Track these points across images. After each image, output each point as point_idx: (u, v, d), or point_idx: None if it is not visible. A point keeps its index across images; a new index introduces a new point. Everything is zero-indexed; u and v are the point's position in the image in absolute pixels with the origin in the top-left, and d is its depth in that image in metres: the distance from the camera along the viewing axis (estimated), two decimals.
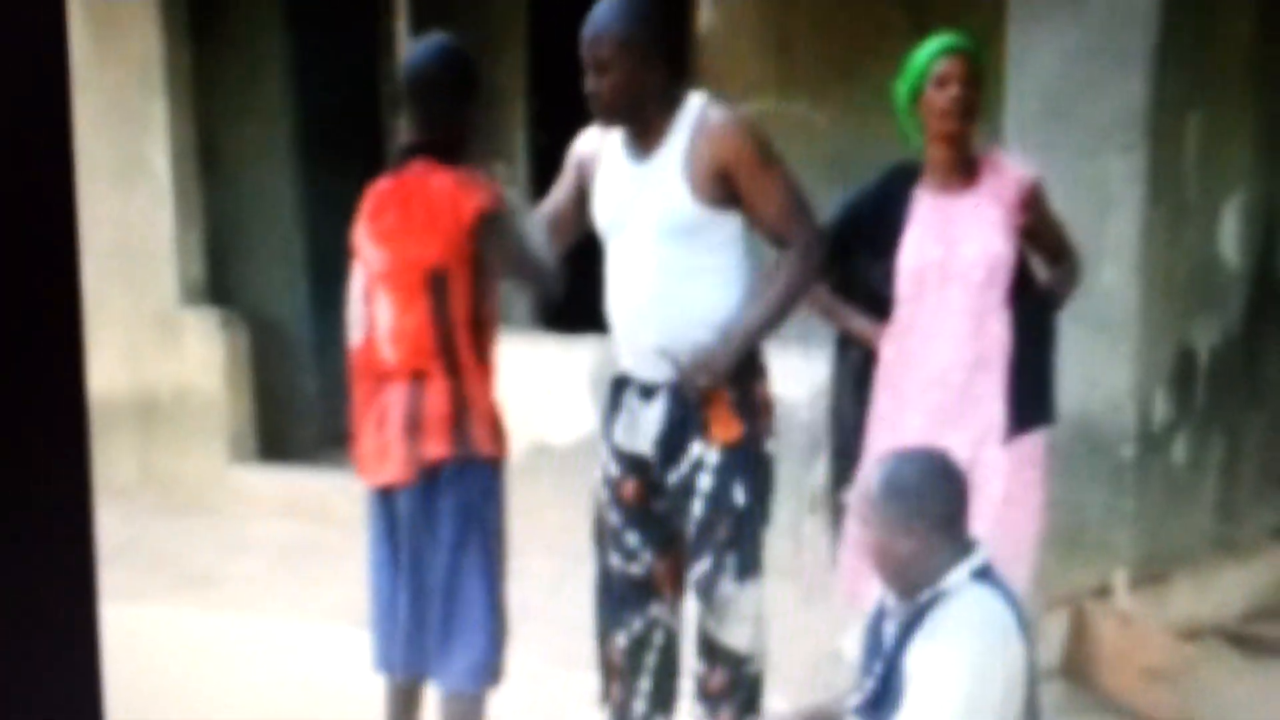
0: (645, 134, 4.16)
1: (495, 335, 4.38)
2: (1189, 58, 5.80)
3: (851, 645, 4.49)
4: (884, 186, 4.53)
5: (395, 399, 4.30)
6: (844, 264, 4.48)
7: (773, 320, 4.22)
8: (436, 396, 4.24)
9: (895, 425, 4.41)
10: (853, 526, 4.20)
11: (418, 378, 4.27)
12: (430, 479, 4.24)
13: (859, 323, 4.50)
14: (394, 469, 4.30)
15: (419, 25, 8.35)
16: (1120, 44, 5.58)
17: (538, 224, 4.42)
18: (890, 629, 3.47)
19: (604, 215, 4.29)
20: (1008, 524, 4.28)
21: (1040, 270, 4.59)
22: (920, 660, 3.35)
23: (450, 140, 4.25)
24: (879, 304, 4.43)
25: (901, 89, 4.44)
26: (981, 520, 3.70)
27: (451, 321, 4.23)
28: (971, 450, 4.31)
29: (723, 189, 4.13)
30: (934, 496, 3.42)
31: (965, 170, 4.40)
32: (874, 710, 3.48)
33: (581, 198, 4.40)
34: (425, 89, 4.26)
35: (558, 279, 4.36)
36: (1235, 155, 6.38)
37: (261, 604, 6.22)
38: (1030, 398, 4.44)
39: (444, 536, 4.26)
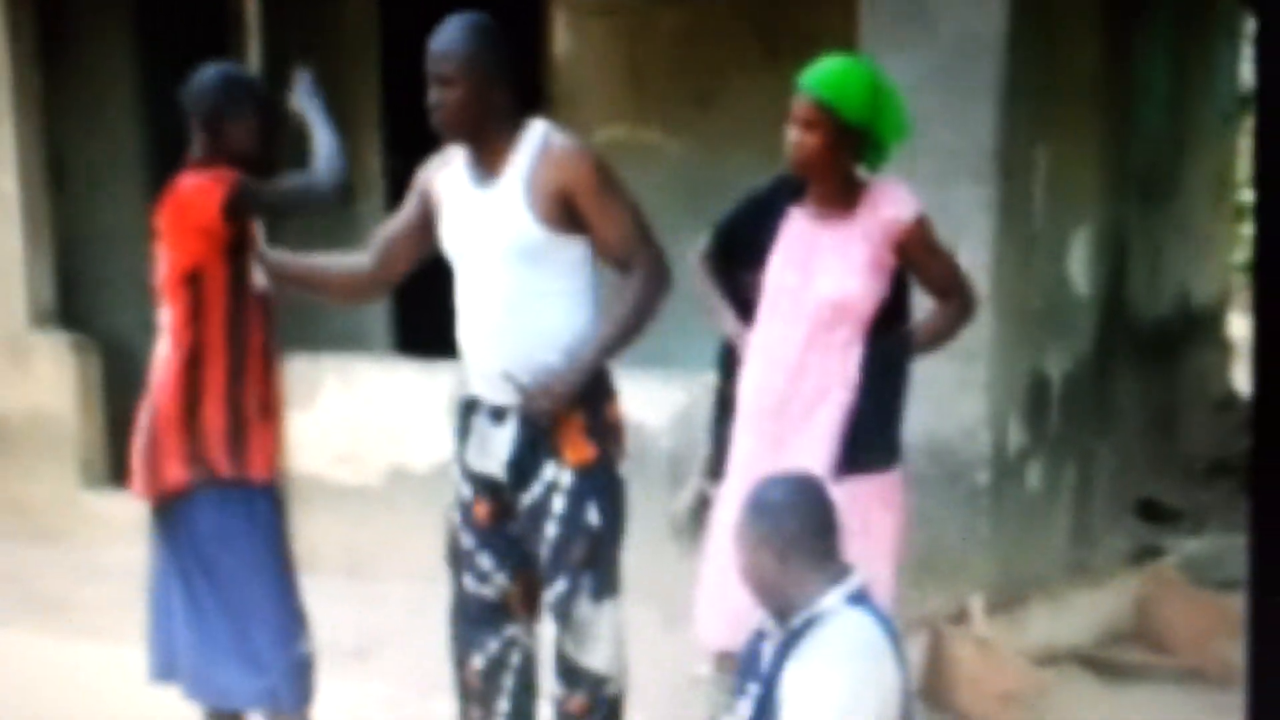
0: (487, 157, 4.18)
1: (264, 344, 4.38)
2: (1037, 89, 5.90)
3: (708, 670, 4.51)
4: (768, 196, 4.43)
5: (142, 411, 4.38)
6: (723, 266, 4.47)
7: (618, 343, 4.23)
8: (172, 412, 4.28)
9: (737, 446, 4.40)
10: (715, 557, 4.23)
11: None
12: (167, 503, 4.27)
13: (731, 323, 4.45)
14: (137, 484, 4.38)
15: (270, 49, 8.31)
16: (969, 75, 5.65)
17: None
18: (767, 651, 3.49)
19: (451, 240, 4.29)
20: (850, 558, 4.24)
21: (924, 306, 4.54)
22: (795, 682, 3.36)
23: (218, 150, 4.34)
24: (751, 311, 4.40)
25: None
26: None
27: (204, 328, 4.28)
28: None
29: (565, 213, 4.13)
30: (795, 516, 3.43)
31: (842, 199, 4.31)
32: None
33: (423, 223, 4.39)
34: (195, 106, 4.43)
35: (343, 189, 4.39)
36: (1083, 185, 6.49)
37: (113, 630, 6.13)
38: (868, 440, 4.31)
39: (185, 561, 4.31)
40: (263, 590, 4.22)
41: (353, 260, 4.58)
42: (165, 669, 4.48)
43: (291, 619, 4.27)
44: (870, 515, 4.31)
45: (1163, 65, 7.35)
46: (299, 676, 4.30)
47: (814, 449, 4.29)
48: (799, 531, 3.41)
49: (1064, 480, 6.35)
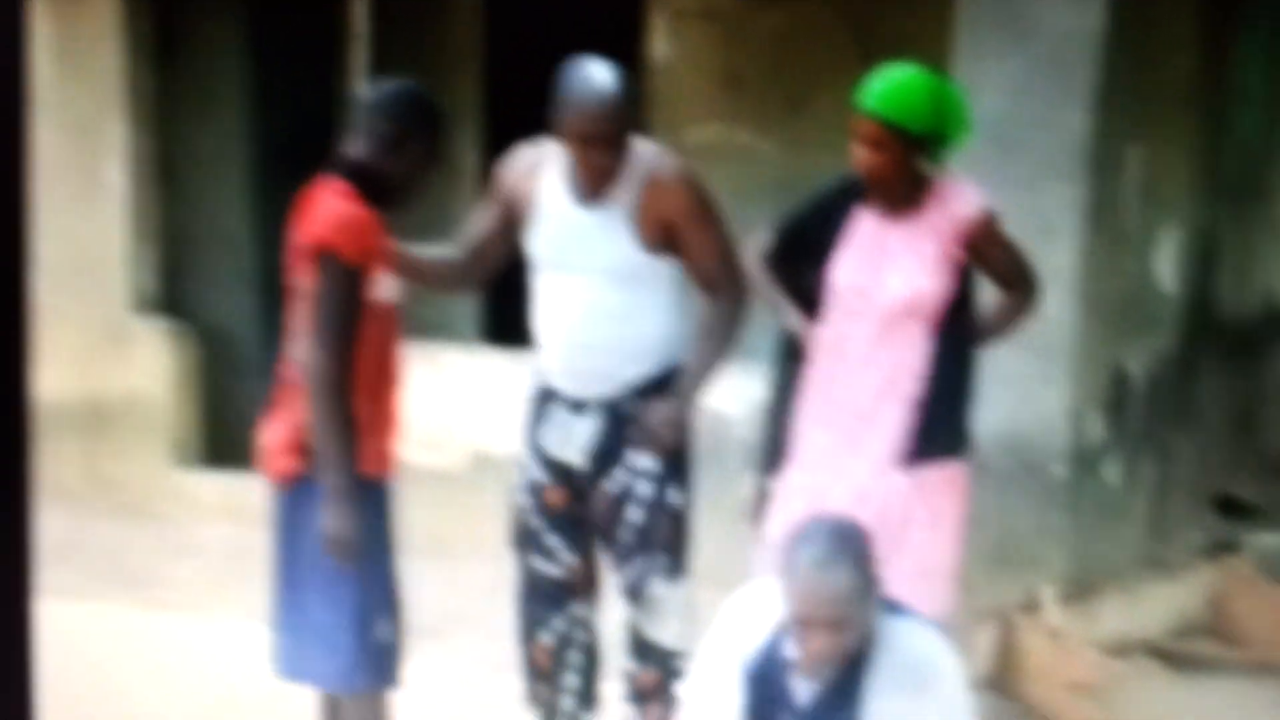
0: (592, 174, 4.29)
1: (380, 353, 4.28)
2: (1131, 91, 5.91)
3: None
4: (832, 196, 4.49)
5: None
6: (786, 265, 4.54)
7: (711, 371, 4.45)
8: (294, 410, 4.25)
9: (807, 440, 4.46)
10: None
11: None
12: (285, 489, 4.29)
13: (794, 318, 4.50)
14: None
15: (378, 51, 8.47)
16: (1064, 77, 5.68)
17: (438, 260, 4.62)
18: (801, 687, 3.43)
19: (543, 252, 4.41)
20: (910, 548, 4.28)
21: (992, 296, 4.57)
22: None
23: (370, 169, 4.20)
24: (814, 309, 4.46)
25: None
26: (882, 544, 3.70)
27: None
28: (871, 477, 4.36)
29: (665, 238, 4.31)
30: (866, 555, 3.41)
31: (909, 198, 4.35)
32: None
33: (508, 228, 4.51)
34: (371, 113, 4.24)
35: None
36: (1174, 186, 6.49)
37: (204, 605, 6.27)
38: (937, 430, 4.38)
39: (286, 546, 4.31)
40: (349, 575, 4.24)
41: (446, 254, 4.70)
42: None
43: (375, 603, 4.28)
44: (938, 503, 4.40)
45: (1260, 68, 7.32)
46: (379, 659, 4.33)
47: (884, 441, 4.37)
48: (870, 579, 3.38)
49: (1142, 474, 6.35)
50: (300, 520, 4.21)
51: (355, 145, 4.23)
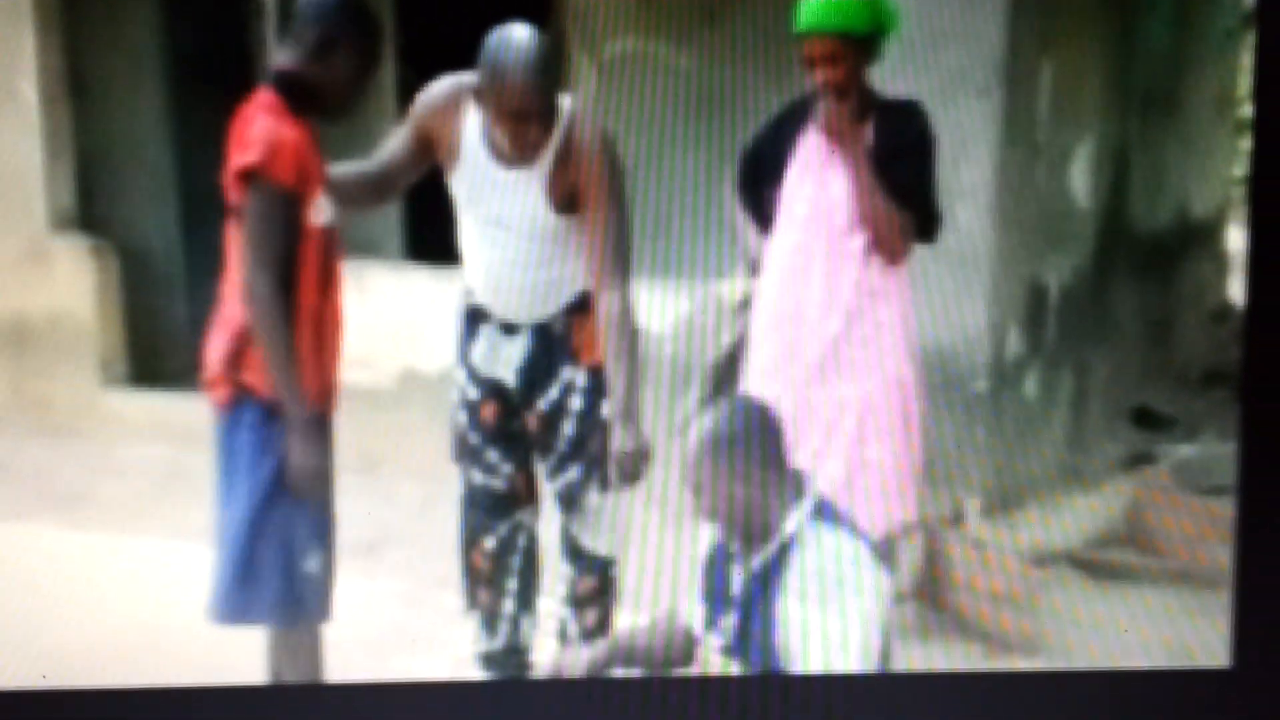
0: (515, 139, 4.30)
1: (318, 278, 4.20)
2: (1042, 4, 5.95)
3: None
4: (785, 116, 4.54)
5: None
6: (748, 190, 4.57)
7: (634, 380, 4.44)
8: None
9: (756, 352, 4.51)
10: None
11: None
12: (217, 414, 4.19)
13: (752, 239, 4.54)
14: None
15: None
16: None
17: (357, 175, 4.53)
18: (736, 576, 3.52)
19: (462, 195, 4.42)
20: (861, 460, 4.36)
21: None
22: (797, 624, 3.46)
23: (301, 79, 4.07)
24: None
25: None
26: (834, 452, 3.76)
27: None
28: (817, 387, 4.42)
29: (575, 202, 4.36)
30: (749, 437, 3.49)
31: (858, 114, 4.38)
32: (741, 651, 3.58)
33: (422, 159, 4.48)
34: (300, 19, 4.08)
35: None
36: (1087, 100, 6.55)
37: (133, 524, 6.26)
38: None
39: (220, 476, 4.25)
40: (276, 509, 4.16)
41: (361, 169, 4.64)
42: None
43: (309, 535, 4.21)
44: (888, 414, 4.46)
45: None
46: (311, 591, 4.27)
47: (831, 352, 4.43)
48: (759, 453, 3.46)
49: (1060, 388, 6.44)
50: (233, 445, 4.17)
51: (284, 54, 4.10)
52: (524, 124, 4.23)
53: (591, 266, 4.40)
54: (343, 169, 4.53)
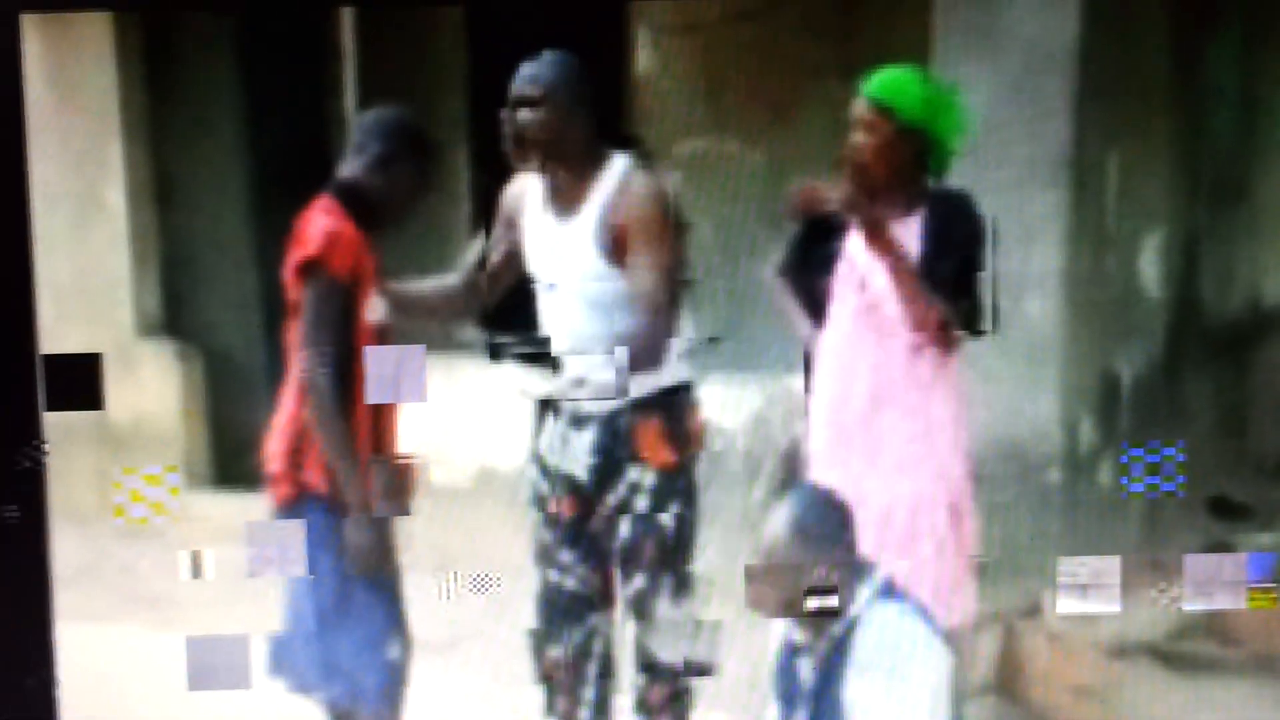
0: (566, 190, 4.34)
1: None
2: (1108, 97, 5.98)
3: None
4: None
5: None
6: (800, 276, 4.60)
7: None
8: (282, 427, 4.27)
9: (812, 442, 4.53)
10: None
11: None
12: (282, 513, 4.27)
13: (802, 326, 4.57)
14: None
15: (364, 69, 8.49)
16: (1042, 86, 5.75)
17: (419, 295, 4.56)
18: (805, 667, 3.54)
19: (531, 267, 4.47)
20: (925, 548, 4.37)
21: None
22: (864, 698, 3.45)
23: (359, 188, 4.30)
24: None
25: None
26: (897, 542, 3.78)
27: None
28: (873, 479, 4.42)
29: (627, 248, 4.37)
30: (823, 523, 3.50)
31: (903, 205, 4.42)
32: None
33: (513, 251, 4.57)
34: (360, 134, 4.37)
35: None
36: (1155, 190, 6.55)
37: (217, 625, 6.30)
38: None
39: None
40: (354, 599, 4.25)
41: (442, 284, 4.72)
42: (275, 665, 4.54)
43: (385, 622, 4.28)
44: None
45: (1235, 72, 7.40)
46: (389, 678, 4.34)
47: (885, 444, 4.44)
48: (830, 535, 3.48)
49: (1135, 478, 6.42)
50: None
51: (345, 165, 4.31)
52: (523, 109, 4.25)
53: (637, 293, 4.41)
54: (426, 284, 4.63)
